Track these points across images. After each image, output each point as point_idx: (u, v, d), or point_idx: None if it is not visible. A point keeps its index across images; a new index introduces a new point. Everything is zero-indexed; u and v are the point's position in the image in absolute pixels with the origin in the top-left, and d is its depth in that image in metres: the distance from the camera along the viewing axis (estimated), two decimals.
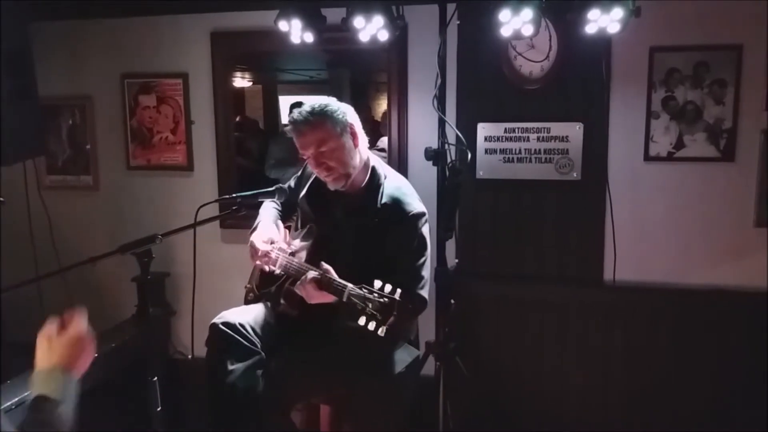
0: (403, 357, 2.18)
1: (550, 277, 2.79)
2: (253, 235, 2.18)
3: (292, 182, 2.39)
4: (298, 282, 1.96)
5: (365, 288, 1.77)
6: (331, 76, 6.34)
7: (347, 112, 2.09)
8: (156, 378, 1.90)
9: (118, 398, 2.75)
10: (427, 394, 2.48)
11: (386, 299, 1.72)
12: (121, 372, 2.79)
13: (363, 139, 2.14)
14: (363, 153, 2.14)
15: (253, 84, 7.03)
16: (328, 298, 1.88)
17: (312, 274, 1.93)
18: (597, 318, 2.75)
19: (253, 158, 5.03)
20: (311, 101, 2.08)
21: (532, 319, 2.82)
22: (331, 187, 2.12)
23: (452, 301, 2.48)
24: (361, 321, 1.72)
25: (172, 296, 3.23)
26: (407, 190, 2.16)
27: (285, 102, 6.79)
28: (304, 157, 2.10)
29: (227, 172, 3.16)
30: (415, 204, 2.11)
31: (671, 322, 2.69)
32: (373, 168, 2.16)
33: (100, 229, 3.27)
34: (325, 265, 1.93)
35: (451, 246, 2.64)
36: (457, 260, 2.81)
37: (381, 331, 1.70)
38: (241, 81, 6.66)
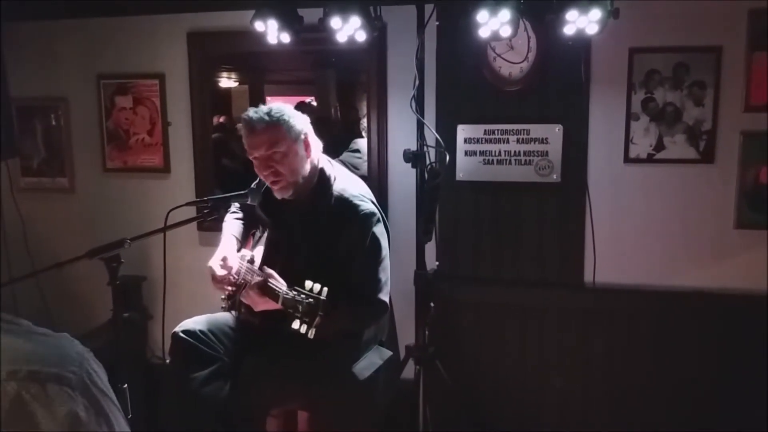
0: (373, 360, 2.15)
1: (530, 280, 2.77)
2: (211, 260, 2.15)
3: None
4: (243, 290, 1.93)
5: (295, 290, 1.75)
6: (317, 76, 6.29)
7: (302, 121, 2.06)
8: (126, 385, 1.86)
9: None
10: (406, 398, 2.46)
11: (312, 299, 1.70)
12: None
13: (316, 147, 2.11)
14: (314, 160, 2.11)
15: (239, 84, 6.98)
16: (272, 305, 1.85)
17: (255, 280, 1.90)
18: (577, 320, 2.74)
19: (238, 159, 4.96)
20: (269, 105, 2.07)
21: (512, 321, 2.80)
22: (278, 195, 2.06)
23: (432, 305, 2.46)
24: (295, 324, 1.71)
25: (149, 300, 3.18)
26: (357, 191, 2.10)
27: (271, 102, 6.75)
28: (252, 159, 2.05)
29: (205, 174, 3.12)
30: (364, 204, 2.05)
31: (651, 324, 2.68)
32: (322, 170, 2.10)
33: (76, 231, 3.21)
34: (268, 270, 1.91)
35: (430, 248, 2.62)
36: (437, 263, 2.79)
37: (310, 334, 1.69)
38: (227, 81, 6.60)
